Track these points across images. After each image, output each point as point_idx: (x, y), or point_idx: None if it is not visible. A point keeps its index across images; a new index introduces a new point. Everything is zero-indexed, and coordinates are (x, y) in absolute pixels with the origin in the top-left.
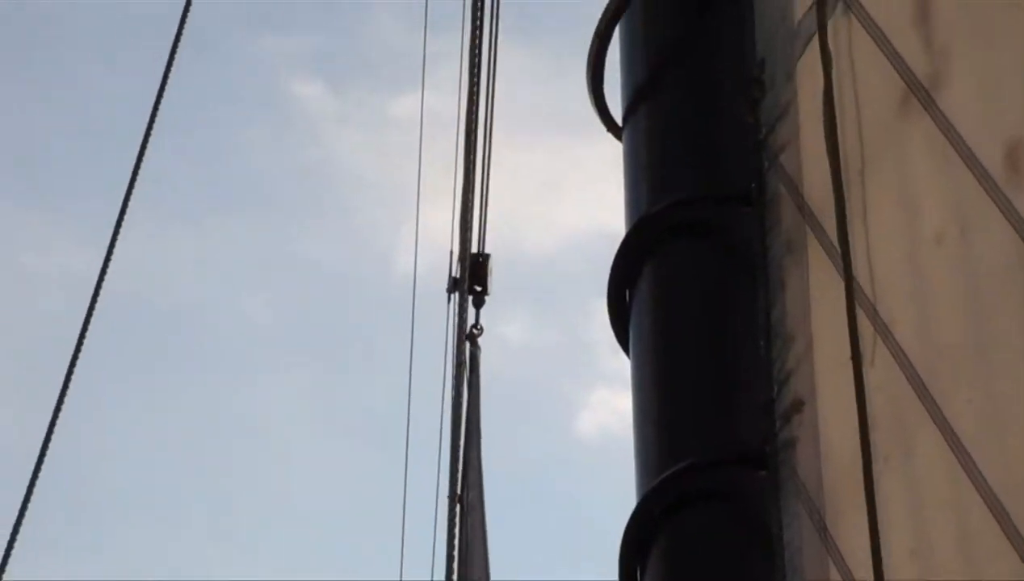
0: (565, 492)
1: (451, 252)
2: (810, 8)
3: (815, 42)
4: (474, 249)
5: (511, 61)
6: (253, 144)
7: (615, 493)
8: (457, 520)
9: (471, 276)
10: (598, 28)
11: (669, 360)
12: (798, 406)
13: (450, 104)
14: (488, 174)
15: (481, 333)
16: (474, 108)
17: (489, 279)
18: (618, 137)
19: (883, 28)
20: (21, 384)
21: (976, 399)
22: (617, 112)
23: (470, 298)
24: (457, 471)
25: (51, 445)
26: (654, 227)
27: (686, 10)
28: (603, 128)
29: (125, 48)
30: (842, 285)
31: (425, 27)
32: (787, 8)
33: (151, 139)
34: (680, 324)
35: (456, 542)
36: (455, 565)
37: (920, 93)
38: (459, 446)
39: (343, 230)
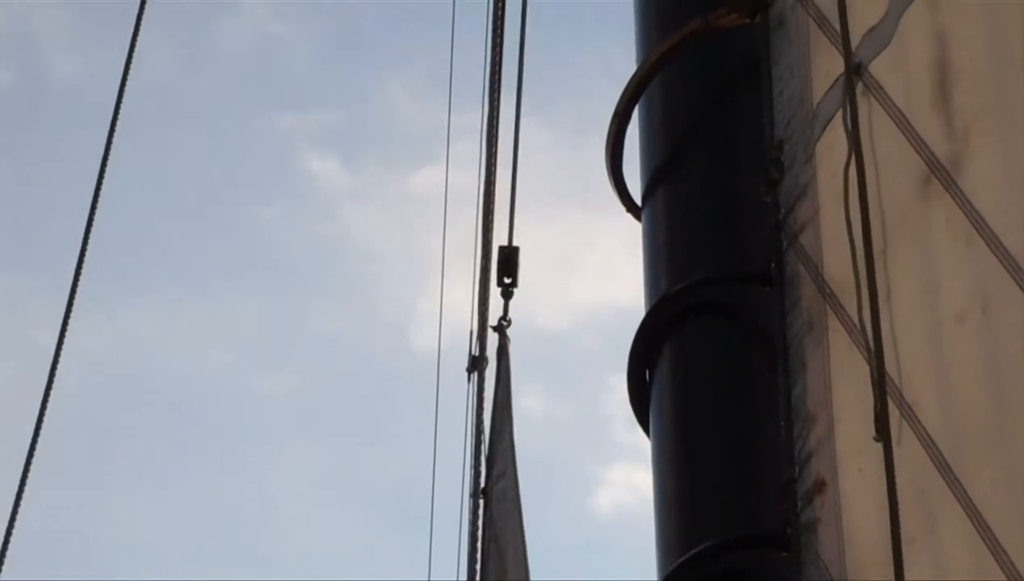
0: (582, 570)
1: (471, 331)
2: (829, 89)
3: (835, 123)
4: (504, 242)
5: (527, 135)
6: (270, 219)
7: (633, 572)
8: (481, 513)
9: (501, 269)
10: (617, 108)
11: (689, 439)
12: (820, 487)
13: (466, 179)
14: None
15: (509, 324)
16: (492, 183)
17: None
18: (637, 216)
19: (903, 109)
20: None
21: (1001, 479)
22: (636, 191)
23: (499, 290)
24: (480, 464)
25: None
26: (674, 306)
27: (705, 91)
28: (622, 206)
29: (139, 124)
30: (864, 364)
31: (450, 104)
32: (806, 90)
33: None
34: (700, 403)
35: (481, 536)
36: (478, 566)
37: (941, 174)
38: (481, 440)
39: (359, 305)
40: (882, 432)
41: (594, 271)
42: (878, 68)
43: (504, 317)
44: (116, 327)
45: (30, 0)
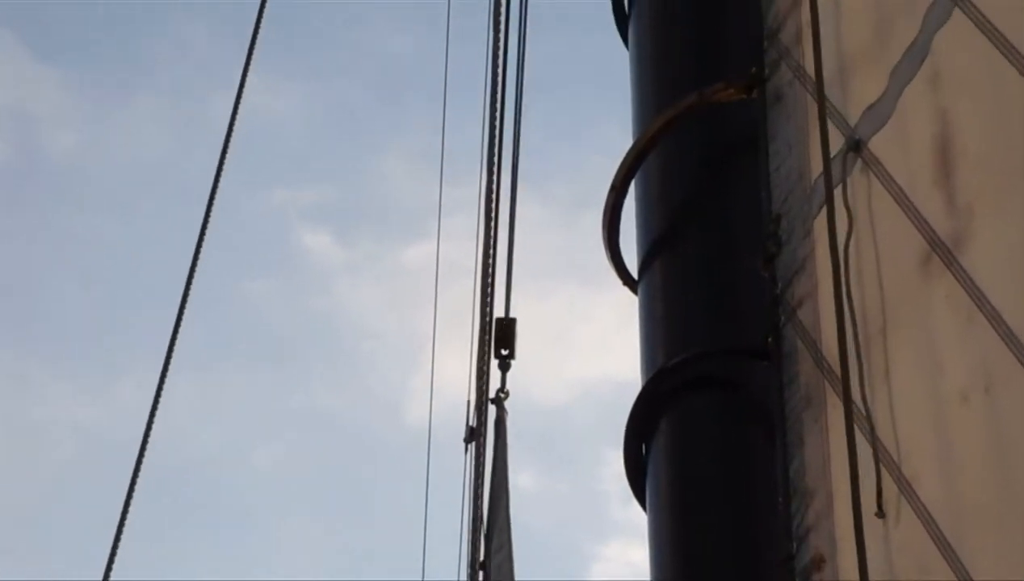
0: None
1: (468, 402)
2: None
3: (835, 199)
4: (500, 314)
5: (523, 210)
6: (264, 294)
7: None
8: None
9: (498, 341)
10: (614, 182)
11: (686, 515)
12: (819, 563)
13: (460, 252)
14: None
15: (507, 396)
16: (490, 255)
17: (515, 343)
18: (634, 290)
19: (903, 186)
20: (35, 535)
21: (1003, 558)
22: (632, 264)
23: (496, 362)
24: (479, 538)
25: None
26: (671, 380)
27: (702, 165)
28: (618, 280)
29: (135, 200)
30: (863, 440)
31: (441, 179)
32: (804, 165)
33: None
34: (697, 479)
35: None
36: None
37: (942, 251)
38: (479, 513)
39: (354, 380)
40: (856, 513)
41: (590, 345)
42: (878, 145)
43: (502, 389)
44: (110, 400)
45: (25, 77)
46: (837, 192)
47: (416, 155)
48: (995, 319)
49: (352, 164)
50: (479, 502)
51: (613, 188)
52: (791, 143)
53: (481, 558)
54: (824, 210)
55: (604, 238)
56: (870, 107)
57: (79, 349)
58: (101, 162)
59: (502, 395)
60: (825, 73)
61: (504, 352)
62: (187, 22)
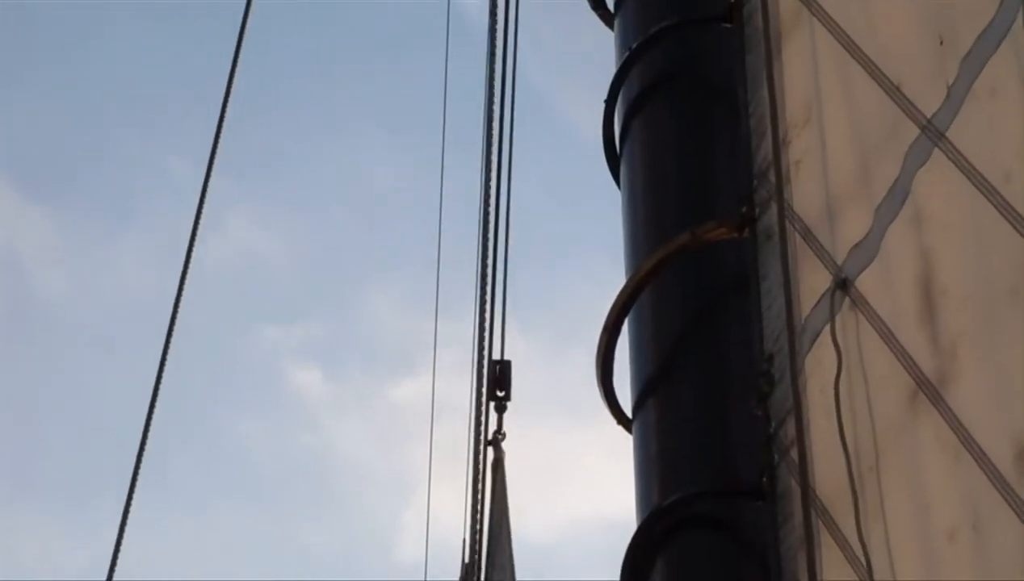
0: None
1: (463, 540)
2: (816, 304)
3: (823, 337)
4: (496, 356)
5: (510, 345)
6: (254, 432)
7: None
8: None
9: (493, 382)
10: (606, 322)
11: None
12: None
13: (448, 388)
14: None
15: (504, 438)
16: (482, 393)
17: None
18: (628, 428)
19: (889, 324)
20: None
21: None
22: (626, 402)
23: (492, 404)
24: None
25: None
26: (665, 520)
27: (694, 304)
28: (612, 418)
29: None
30: (856, 577)
31: (436, 316)
32: (794, 304)
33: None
34: None
35: None
36: None
37: (928, 390)
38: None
39: (344, 517)
40: None
41: (581, 482)
42: (864, 283)
43: (499, 430)
44: (100, 543)
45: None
46: (826, 330)
47: (407, 291)
48: (981, 458)
49: (341, 300)
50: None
51: (606, 329)
52: (781, 282)
53: None
54: (815, 348)
55: (598, 378)
56: (856, 245)
57: (65, 489)
58: (89, 302)
59: (499, 436)
60: (812, 211)
61: (500, 394)
62: (174, 159)
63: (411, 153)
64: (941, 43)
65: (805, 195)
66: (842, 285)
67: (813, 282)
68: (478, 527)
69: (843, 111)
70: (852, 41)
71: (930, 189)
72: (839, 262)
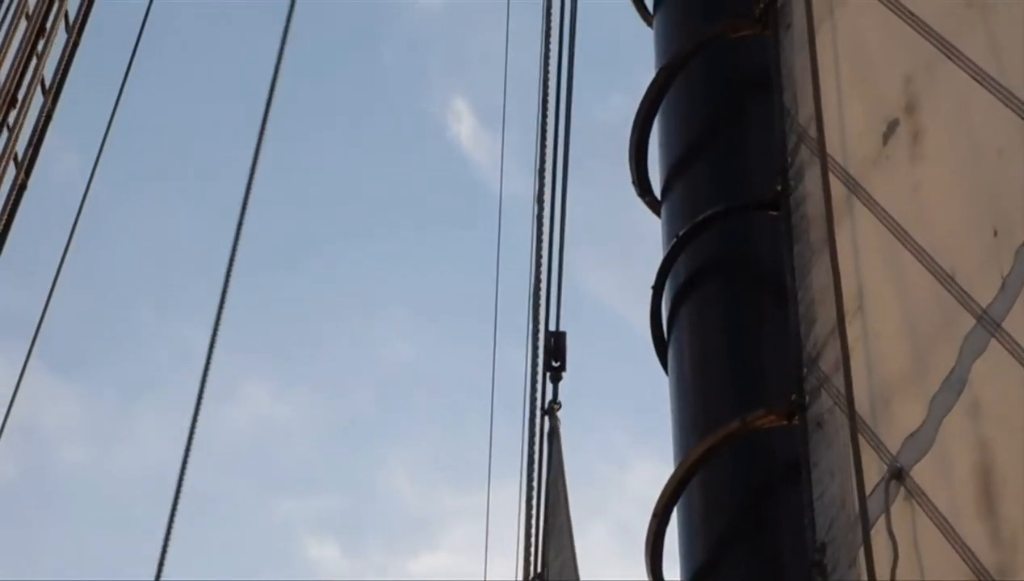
0: None
1: (519, 511)
2: (871, 493)
3: (879, 527)
4: (552, 327)
5: None
6: None
7: None
8: None
9: (548, 353)
10: (656, 509)
11: None
12: None
13: (463, 564)
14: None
15: (560, 407)
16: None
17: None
18: None
19: (947, 516)
20: None
21: None
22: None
23: (547, 374)
24: (534, 549)
25: None
26: None
27: (745, 492)
28: None
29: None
30: None
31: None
32: (847, 493)
33: None
34: None
35: None
36: None
37: None
38: (533, 524)
39: None
40: None
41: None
42: (920, 473)
43: (554, 400)
44: None
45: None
46: (881, 521)
47: (425, 463)
48: None
49: (358, 473)
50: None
51: (655, 516)
52: (833, 470)
53: (539, 569)
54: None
55: (647, 565)
56: (911, 435)
57: None
58: (105, 475)
59: (555, 406)
60: (865, 400)
61: (556, 364)
62: (189, 332)
63: (426, 323)
64: (995, 234)
65: (858, 383)
66: (897, 475)
67: (867, 472)
68: (535, 499)
69: (895, 299)
70: (903, 229)
71: (987, 379)
72: (893, 452)
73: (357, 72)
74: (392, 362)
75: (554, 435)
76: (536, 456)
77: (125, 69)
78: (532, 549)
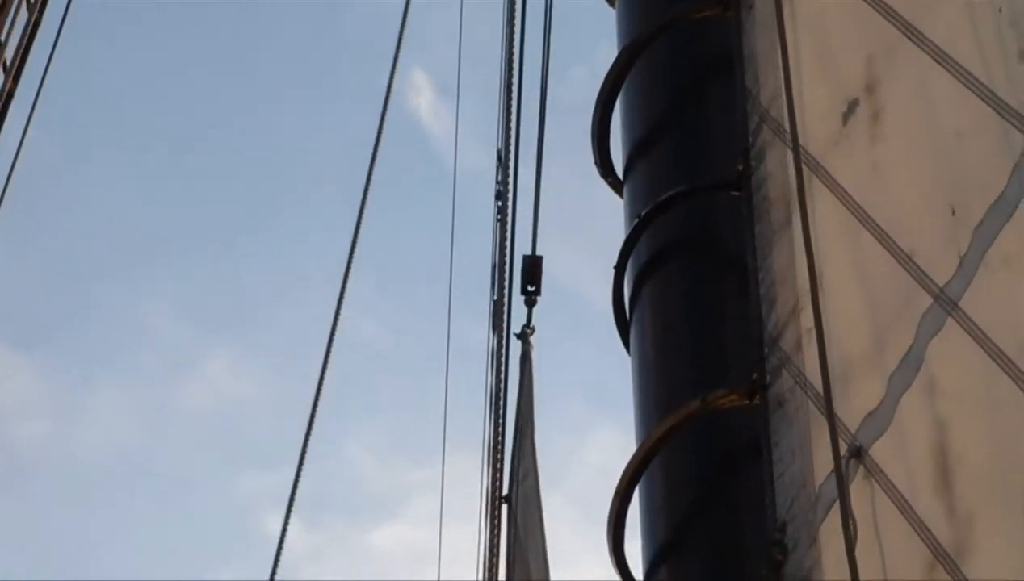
0: None
1: (484, 435)
2: (830, 474)
3: (838, 506)
4: (528, 251)
5: None
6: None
7: None
8: (503, 519)
9: (524, 276)
10: (618, 488)
11: None
12: None
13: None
14: None
15: (533, 332)
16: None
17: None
18: None
19: (905, 494)
20: None
21: None
22: (637, 569)
23: (523, 298)
24: (501, 472)
25: None
26: None
27: (706, 470)
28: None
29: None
30: None
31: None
32: (807, 472)
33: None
34: None
35: (501, 541)
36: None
37: (946, 562)
38: (500, 447)
39: None
40: None
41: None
42: (878, 452)
43: (528, 324)
44: None
45: None
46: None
47: (383, 438)
48: None
49: (318, 447)
50: (499, 432)
51: (617, 494)
52: (794, 450)
53: (505, 491)
54: (829, 516)
55: (609, 544)
56: (870, 414)
57: None
58: (66, 451)
59: (528, 330)
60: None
61: (531, 288)
62: (152, 307)
63: (393, 301)
64: (953, 213)
65: (817, 363)
66: (856, 453)
67: (828, 450)
68: (501, 424)
69: (854, 279)
70: (863, 210)
71: (944, 358)
72: (853, 430)
73: (318, 42)
74: (350, 336)
75: (526, 359)
76: (502, 376)
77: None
78: (498, 470)
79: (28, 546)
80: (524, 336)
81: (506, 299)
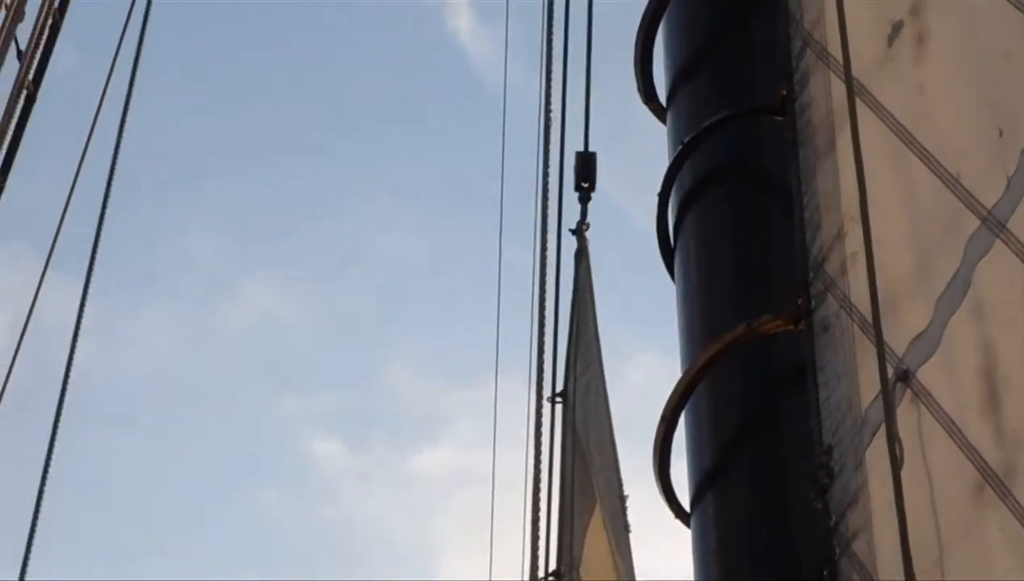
0: None
1: (530, 341)
2: (877, 396)
3: (884, 430)
4: (580, 148)
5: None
6: (274, 503)
7: None
8: (557, 418)
9: (578, 172)
10: (664, 412)
11: None
12: None
13: (468, 459)
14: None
15: (588, 227)
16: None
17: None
18: (686, 522)
19: (953, 416)
20: None
21: None
22: (684, 494)
23: (577, 194)
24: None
25: None
26: None
27: (751, 396)
28: (670, 512)
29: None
30: None
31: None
32: (853, 396)
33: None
34: None
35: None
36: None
37: (995, 483)
38: (544, 342)
39: None
40: None
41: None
42: (926, 375)
43: (583, 221)
44: None
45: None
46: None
47: (426, 360)
48: None
49: (361, 370)
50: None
51: (663, 420)
52: (839, 374)
53: (559, 388)
54: (876, 440)
55: (655, 470)
56: (917, 338)
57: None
58: (109, 373)
59: (584, 226)
60: (870, 303)
61: (585, 185)
62: (193, 232)
63: (432, 222)
64: (1001, 134)
65: (863, 287)
66: (903, 377)
67: (874, 373)
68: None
69: (900, 203)
70: (908, 132)
71: (991, 280)
72: (899, 354)
73: None
74: (393, 257)
75: (583, 254)
76: (553, 275)
77: None
78: (545, 371)
79: (73, 468)
80: (579, 231)
81: (558, 187)
